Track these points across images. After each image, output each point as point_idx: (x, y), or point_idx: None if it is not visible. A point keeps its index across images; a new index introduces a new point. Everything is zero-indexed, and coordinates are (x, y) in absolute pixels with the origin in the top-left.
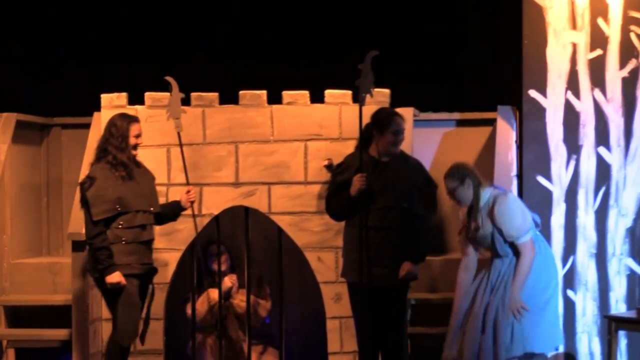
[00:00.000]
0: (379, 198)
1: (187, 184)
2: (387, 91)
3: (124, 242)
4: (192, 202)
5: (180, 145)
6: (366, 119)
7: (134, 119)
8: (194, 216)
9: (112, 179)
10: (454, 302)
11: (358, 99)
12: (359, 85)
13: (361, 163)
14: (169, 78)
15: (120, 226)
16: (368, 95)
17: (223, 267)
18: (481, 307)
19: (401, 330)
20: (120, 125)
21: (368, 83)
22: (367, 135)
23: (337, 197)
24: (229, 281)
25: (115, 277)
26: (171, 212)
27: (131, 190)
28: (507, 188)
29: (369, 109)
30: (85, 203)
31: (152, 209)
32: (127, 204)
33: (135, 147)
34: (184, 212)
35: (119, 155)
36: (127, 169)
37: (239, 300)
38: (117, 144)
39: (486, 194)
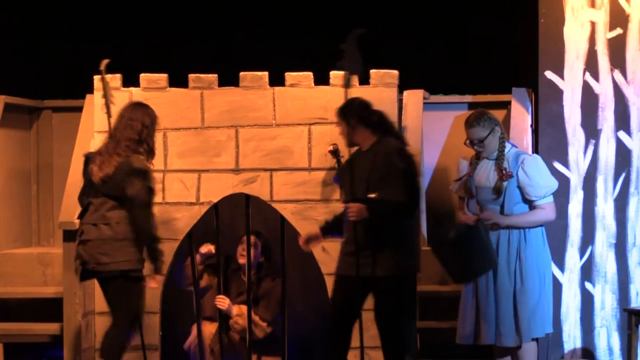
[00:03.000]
0: (356, 189)
1: None
2: (395, 72)
3: None
4: None
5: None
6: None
7: None
8: None
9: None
10: None
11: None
12: (343, 66)
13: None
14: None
15: None
16: (374, 76)
17: (241, 260)
18: (489, 284)
19: (389, 323)
20: (153, 115)
21: (354, 63)
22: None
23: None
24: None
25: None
26: None
27: None
28: None
29: (378, 91)
30: (149, 194)
31: None
32: None
33: None
34: (182, 200)
35: (154, 147)
36: None
37: (233, 321)
38: (152, 135)
39: (508, 146)
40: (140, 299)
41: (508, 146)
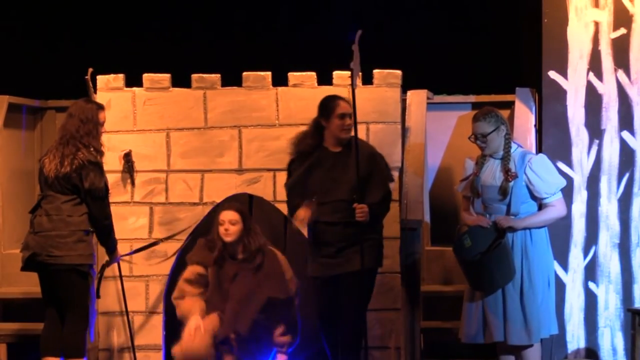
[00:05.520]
0: (332, 192)
1: None
2: (398, 72)
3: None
4: None
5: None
6: (364, 102)
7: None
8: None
9: None
10: None
11: (352, 82)
12: (354, 68)
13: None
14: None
15: None
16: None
17: (230, 238)
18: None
19: (357, 316)
20: (92, 111)
21: (358, 64)
22: (317, 126)
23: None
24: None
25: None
26: None
27: None
28: None
29: (381, 91)
30: (104, 186)
31: None
32: None
33: None
34: (185, 201)
35: (97, 145)
36: None
37: None
38: (93, 131)
39: (514, 146)
40: (89, 294)
41: (514, 146)
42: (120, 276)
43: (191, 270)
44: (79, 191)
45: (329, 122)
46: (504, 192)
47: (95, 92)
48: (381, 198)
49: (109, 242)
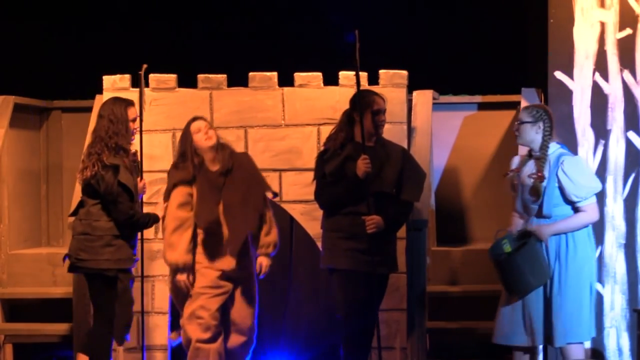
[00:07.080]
0: (369, 185)
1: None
2: (404, 73)
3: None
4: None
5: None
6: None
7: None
8: None
9: (127, 168)
10: None
11: (357, 81)
12: (357, 65)
13: (364, 148)
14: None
15: None
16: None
17: (211, 141)
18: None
19: (376, 317)
20: (121, 110)
21: (358, 63)
22: (349, 120)
23: (336, 184)
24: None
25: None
26: None
27: (134, 182)
28: None
29: (387, 92)
30: (119, 188)
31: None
32: (135, 195)
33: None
34: None
35: (125, 145)
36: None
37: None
38: (122, 131)
39: (553, 147)
40: (116, 299)
41: (556, 147)
42: (142, 276)
43: (179, 192)
44: (100, 197)
45: (362, 117)
46: (535, 192)
47: (141, 91)
48: (407, 197)
49: (149, 225)
